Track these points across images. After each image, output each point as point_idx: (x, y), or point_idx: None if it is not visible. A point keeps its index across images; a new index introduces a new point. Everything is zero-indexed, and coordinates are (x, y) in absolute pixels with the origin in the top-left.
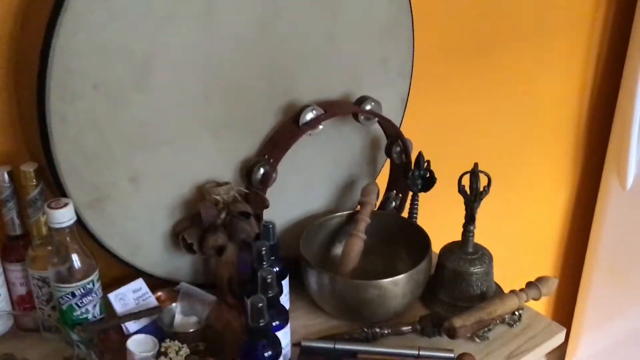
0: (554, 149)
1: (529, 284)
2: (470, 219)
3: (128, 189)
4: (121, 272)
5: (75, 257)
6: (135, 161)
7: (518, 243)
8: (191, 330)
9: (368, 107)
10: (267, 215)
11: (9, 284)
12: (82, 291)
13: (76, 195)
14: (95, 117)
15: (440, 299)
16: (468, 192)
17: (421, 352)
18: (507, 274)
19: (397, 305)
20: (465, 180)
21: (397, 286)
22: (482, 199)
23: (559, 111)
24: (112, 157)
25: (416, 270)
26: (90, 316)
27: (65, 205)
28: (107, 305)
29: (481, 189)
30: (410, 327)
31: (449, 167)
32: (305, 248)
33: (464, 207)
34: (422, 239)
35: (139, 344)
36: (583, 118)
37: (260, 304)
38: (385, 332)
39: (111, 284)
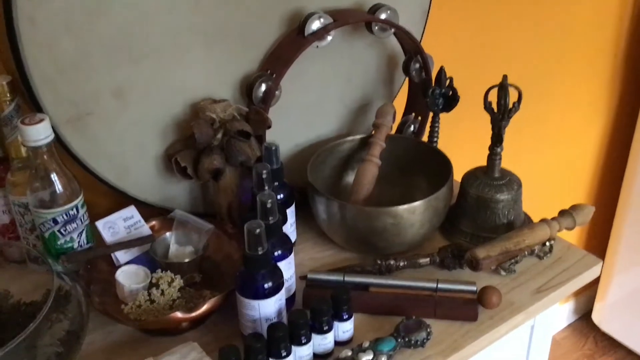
0: (590, 71)
1: (562, 212)
2: (497, 139)
3: (112, 105)
4: (114, 203)
5: (56, 180)
6: (118, 74)
7: (549, 171)
8: (186, 260)
9: (383, 16)
10: (271, 139)
11: None
12: (65, 217)
13: (54, 111)
14: (69, 21)
15: (462, 230)
16: (495, 108)
17: (440, 285)
18: (537, 205)
19: (413, 236)
20: (493, 96)
21: (414, 214)
22: (510, 117)
23: (596, 35)
24: (92, 68)
25: (435, 196)
26: (75, 245)
27: (41, 121)
28: (95, 235)
29: (510, 105)
30: (428, 259)
31: (473, 86)
32: (314, 175)
33: (489, 128)
34: (443, 165)
35: (129, 275)
36: (621, 44)
37: (258, 230)
38: (401, 264)
39: (104, 215)
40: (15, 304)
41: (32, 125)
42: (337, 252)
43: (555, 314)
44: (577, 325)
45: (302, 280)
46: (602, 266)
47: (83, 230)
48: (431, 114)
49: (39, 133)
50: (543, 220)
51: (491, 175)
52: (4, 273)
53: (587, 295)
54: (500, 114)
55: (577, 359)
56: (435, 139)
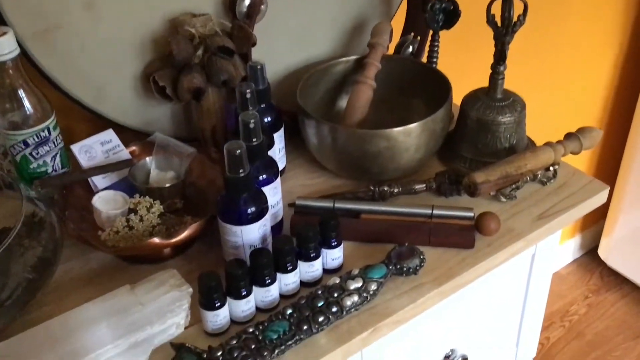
0: None
1: (568, 135)
2: (500, 57)
3: (83, 18)
4: (94, 129)
5: (24, 98)
6: None
7: (557, 95)
8: (167, 185)
9: None
10: (258, 59)
11: None
12: (36, 139)
13: (18, 24)
14: None
15: (461, 155)
16: (499, 22)
17: (435, 211)
18: (542, 132)
19: (409, 161)
20: (497, 9)
21: (409, 137)
22: (515, 32)
23: None
24: None
25: (432, 118)
26: (49, 170)
27: (4, 34)
28: (71, 160)
29: (515, 19)
30: (424, 185)
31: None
32: (304, 98)
33: (492, 47)
34: (442, 86)
35: (106, 201)
36: None
37: (238, 151)
38: (395, 190)
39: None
40: None
41: None
42: (329, 178)
43: (557, 244)
44: (583, 260)
45: (290, 208)
46: (610, 199)
47: (57, 154)
48: (431, 33)
49: (3, 47)
50: (547, 144)
51: (493, 96)
52: None
53: (594, 231)
54: (504, 29)
55: (582, 294)
56: (434, 60)
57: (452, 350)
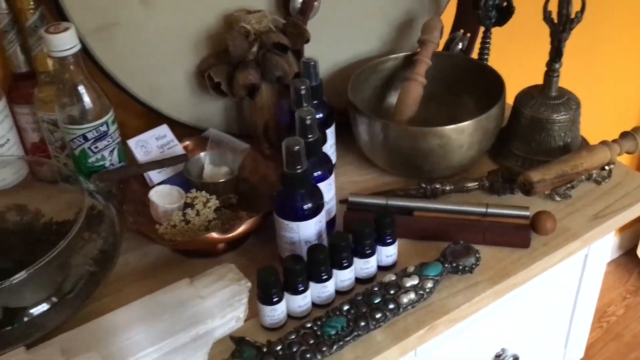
0: None
1: (624, 134)
2: (556, 54)
3: (140, 14)
4: (148, 124)
5: (84, 94)
6: None
7: (612, 93)
8: (221, 181)
9: None
10: (313, 57)
11: (20, 130)
12: (95, 134)
13: (79, 20)
14: None
15: (513, 153)
16: (555, 19)
17: (490, 210)
18: (596, 130)
19: (461, 159)
20: (553, 5)
21: (462, 134)
22: (572, 29)
23: None
24: None
25: (486, 116)
26: (107, 164)
27: (66, 29)
28: (127, 154)
29: (572, 15)
30: (476, 183)
31: None
32: (355, 94)
33: (544, 44)
34: (494, 84)
35: (163, 195)
36: None
37: (297, 147)
38: (447, 188)
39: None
40: (47, 223)
41: (57, 34)
42: (378, 175)
43: (610, 245)
44: (621, 260)
45: (342, 204)
46: None
47: (114, 148)
48: (482, 29)
49: (65, 42)
50: (603, 143)
51: (548, 94)
52: (36, 193)
53: (632, 231)
54: (561, 26)
55: (620, 295)
56: (485, 57)
57: (503, 350)
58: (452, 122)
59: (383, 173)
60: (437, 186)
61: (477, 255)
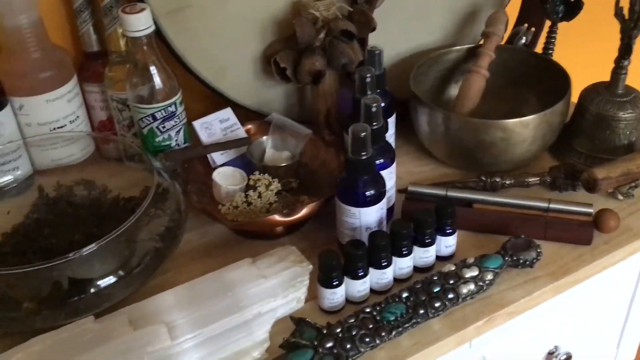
0: None
1: None
2: (625, 51)
3: None
4: (209, 107)
5: (155, 74)
6: None
7: None
8: (283, 165)
9: None
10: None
11: (88, 107)
12: (164, 114)
13: (153, 2)
14: None
15: (575, 149)
16: (627, 15)
17: (552, 205)
18: None
19: (523, 153)
20: (625, 1)
21: (526, 129)
22: None
23: None
24: None
25: (552, 110)
26: (173, 144)
27: (142, 10)
28: (192, 135)
29: None
30: (537, 178)
31: None
32: (416, 85)
33: (611, 41)
34: (559, 79)
35: (225, 176)
36: None
37: (364, 133)
38: (507, 182)
39: (198, 117)
40: (115, 199)
41: (133, 14)
42: (436, 166)
43: None
44: None
45: (400, 194)
46: None
47: (181, 129)
48: (548, 24)
49: (140, 23)
50: None
51: (614, 92)
52: (101, 170)
53: None
54: (633, 22)
55: None
56: (550, 52)
57: (556, 347)
58: (512, 116)
59: (441, 164)
60: (497, 179)
61: (539, 250)
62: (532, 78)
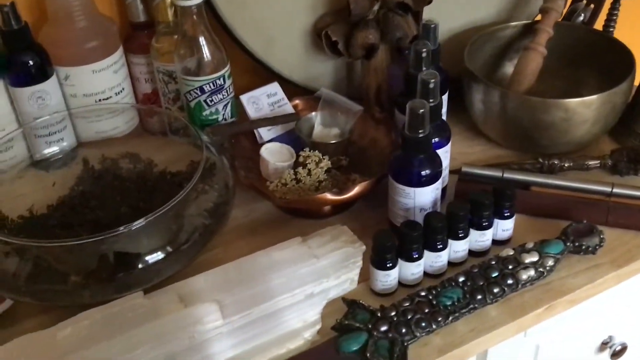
0: None
1: None
2: None
3: None
4: (255, 82)
5: (204, 45)
6: None
7: None
8: (333, 142)
9: None
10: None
11: (133, 79)
12: (212, 87)
13: None
14: None
15: (637, 132)
16: None
17: (615, 190)
18: None
19: (583, 135)
20: None
21: (588, 109)
22: None
23: None
24: None
25: (615, 90)
26: (220, 118)
27: None
28: (238, 109)
29: None
30: (598, 161)
31: None
32: (470, 62)
33: None
34: (620, 58)
35: (273, 153)
36: None
37: (422, 110)
38: (566, 165)
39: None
40: (161, 172)
41: None
42: (489, 147)
43: None
44: None
45: (452, 175)
46: None
47: (228, 103)
48: (610, 1)
49: None
50: None
51: None
52: (145, 143)
53: None
54: None
55: None
56: (611, 30)
57: (611, 337)
58: (570, 96)
59: (494, 145)
60: (555, 162)
61: (602, 236)
62: (591, 57)
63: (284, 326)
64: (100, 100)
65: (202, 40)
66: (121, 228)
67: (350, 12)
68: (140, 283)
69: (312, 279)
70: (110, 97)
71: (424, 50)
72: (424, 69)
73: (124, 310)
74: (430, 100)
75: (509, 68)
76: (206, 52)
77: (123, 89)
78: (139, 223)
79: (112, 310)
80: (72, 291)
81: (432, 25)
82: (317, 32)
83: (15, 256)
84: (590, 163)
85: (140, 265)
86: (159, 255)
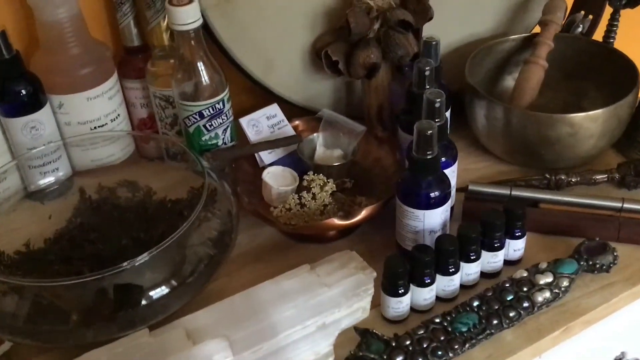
0: None
1: None
2: None
3: None
4: (253, 101)
5: (202, 70)
6: None
7: None
8: (336, 164)
9: None
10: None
11: (128, 105)
12: (211, 112)
13: None
14: None
15: None
16: None
17: (626, 205)
18: None
19: (589, 149)
20: None
21: (595, 123)
22: None
23: None
24: None
25: (621, 103)
26: (219, 142)
27: (190, 2)
28: (238, 133)
29: None
30: (605, 175)
31: None
32: (471, 77)
33: None
34: (623, 70)
35: (275, 177)
36: None
37: (430, 131)
38: (573, 180)
39: (242, 114)
40: (161, 201)
41: (181, 6)
42: (493, 163)
43: None
44: None
45: (459, 193)
46: None
47: (228, 127)
48: (608, 13)
49: (188, 15)
50: None
51: None
52: (142, 170)
53: None
54: None
55: None
56: (610, 41)
57: (623, 353)
58: (570, 110)
59: (498, 161)
60: (562, 177)
61: (615, 254)
62: (591, 68)
63: None
64: (95, 127)
65: (200, 65)
66: (125, 264)
67: (350, 32)
68: (145, 320)
69: (324, 309)
70: (106, 124)
71: (427, 68)
72: (427, 87)
73: (129, 350)
74: (437, 120)
75: (509, 82)
76: (204, 77)
77: (118, 115)
78: (143, 257)
79: (117, 351)
80: (74, 331)
81: (434, 42)
82: (317, 52)
83: (14, 294)
84: (597, 177)
85: (144, 302)
86: (163, 290)
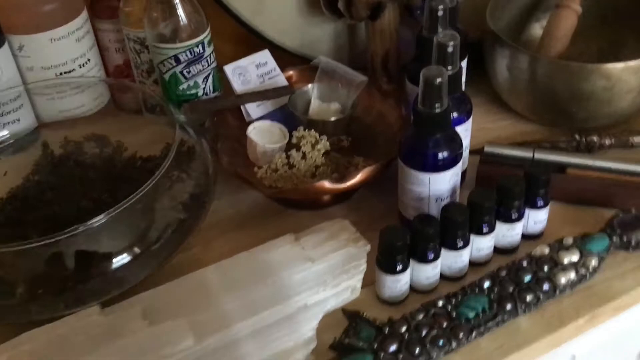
0: None
1: None
2: None
3: None
4: (243, 52)
5: (179, 7)
6: None
7: None
8: (332, 119)
9: None
10: None
11: (101, 49)
12: (189, 56)
13: None
14: None
15: None
16: None
17: None
18: None
19: (627, 106)
20: None
21: (635, 76)
22: None
23: None
24: None
25: None
26: (200, 92)
27: None
28: (223, 82)
29: None
30: None
31: None
32: (493, 23)
33: None
34: None
35: (262, 132)
36: None
37: (439, 79)
38: (607, 142)
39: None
40: (131, 158)
41: None
42: (515, 122)
43: None
44: None
45: (473, 155)
46: None
47: (209, 74)
48: None
49: None
50: None
51: None
52: (117, 123)
53: None
54: None
55: None
56: None
57: None
58: (605, 60)
59: (521, 119)
60: (594, 139)
61: None
62: (630, 14)
63: (272, 346)
64: (61, 73)
65: (177, 4)
66: (75, 227)
67: None
68: (99, 294)
69: (306, 288)
70: (74, 69)
71: (441, 7)
72: (439, 30)
73: (75, 330)
74: (449, 68)
75: (536, 30)
76: (181, 15)
77: (89, 60)
78: (99, 219)
79: (60, 332)
80: (18, 306)
81: None
82: None
83: None
84: (635, 140)
85: (102, 271)
86: (124, 259)
